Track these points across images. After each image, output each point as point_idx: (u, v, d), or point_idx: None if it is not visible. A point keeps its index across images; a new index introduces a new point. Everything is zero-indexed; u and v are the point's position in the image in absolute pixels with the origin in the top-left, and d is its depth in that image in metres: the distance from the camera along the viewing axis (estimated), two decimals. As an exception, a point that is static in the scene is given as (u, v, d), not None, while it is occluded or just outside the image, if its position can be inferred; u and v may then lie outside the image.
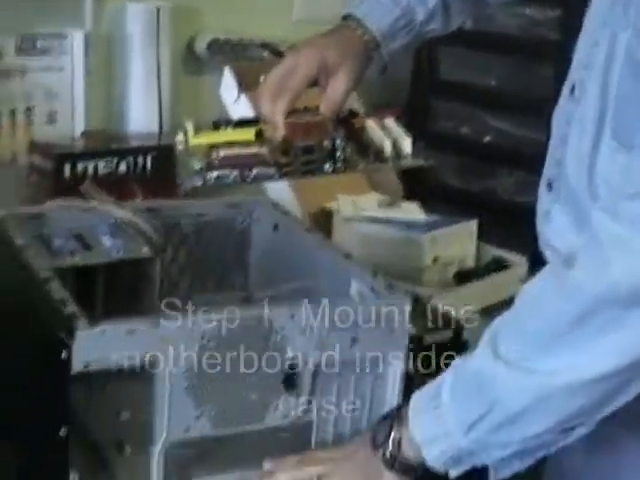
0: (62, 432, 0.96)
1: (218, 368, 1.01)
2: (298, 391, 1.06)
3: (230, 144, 1.13)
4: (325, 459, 1.06)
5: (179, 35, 1.84)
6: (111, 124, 1.78)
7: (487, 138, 2.18)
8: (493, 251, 1.74)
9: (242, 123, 1.20)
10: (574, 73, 1.07)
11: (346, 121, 1.23)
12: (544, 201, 1.10)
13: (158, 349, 0.99)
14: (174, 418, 1.01)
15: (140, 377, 1.02)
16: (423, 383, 1.14)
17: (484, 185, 2.20)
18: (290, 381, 1.05)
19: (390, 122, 1.28)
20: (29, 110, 1.66)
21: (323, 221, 1.70)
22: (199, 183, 1.10)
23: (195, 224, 1.31)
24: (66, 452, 0.97)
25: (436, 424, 0.99)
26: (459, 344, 1.34)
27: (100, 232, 1.21)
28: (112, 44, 1.77)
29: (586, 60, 1.04)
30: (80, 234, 1.21)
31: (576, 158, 1.04)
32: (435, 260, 1.65)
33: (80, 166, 1.58)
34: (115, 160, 1.61)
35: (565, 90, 1.09)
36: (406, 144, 1.25)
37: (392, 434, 1.02)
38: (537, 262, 1.69)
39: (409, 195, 1.92)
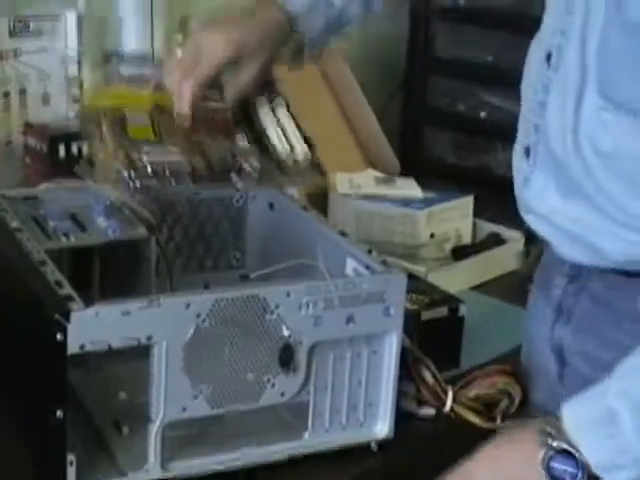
0: (59, 413, 0.96)
1: (214, 347, 1.01)
2: (294, 369, 1.06)
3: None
4: None
5: (173, 15, 1.82)
6: (106, 105, 1.76)
7: (482, 114, 2.17)
8: (489, 227, 1.73)
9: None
10: (548, 39, 1.06)
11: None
12: (522, 168, 1.10)
13: (153, 329, 0.98)
14: (171, 398, 1.01)
15: (136, 357, 1.01)
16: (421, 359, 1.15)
17: (479, 161, 2.20)
18: (286, 359, 1.05)
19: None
20: (23, 92, 1.66)
21: (319, 198, 1.69)
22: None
23: (190, 203, 1.31)
24: (63, 434, 0.97)
25: (618, 452, 0.96)
26: (456, 320, 1.33)
27: (95, 213, 1.21)
28: (105, 25, 1.76)
29: (561, 25, 1.03)
30: (75, 215, 1.20)
31: (558, 122, 1.04)
32: (432, 236, 1.64)
33: (74, 147, 1.58)
34: (110, 141, 1.60)
35: (538, 56, 1.08)
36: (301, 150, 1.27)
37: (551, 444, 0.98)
38: (532, 237, 1.70)
39: (405, 171, 1.91)
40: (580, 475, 0.97)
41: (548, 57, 1.06)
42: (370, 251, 1.16)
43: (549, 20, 1.07)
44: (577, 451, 0.97)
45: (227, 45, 1.15)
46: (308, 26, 1.24)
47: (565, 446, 0.97)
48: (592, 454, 0.97)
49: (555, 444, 0.98)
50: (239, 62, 1.15)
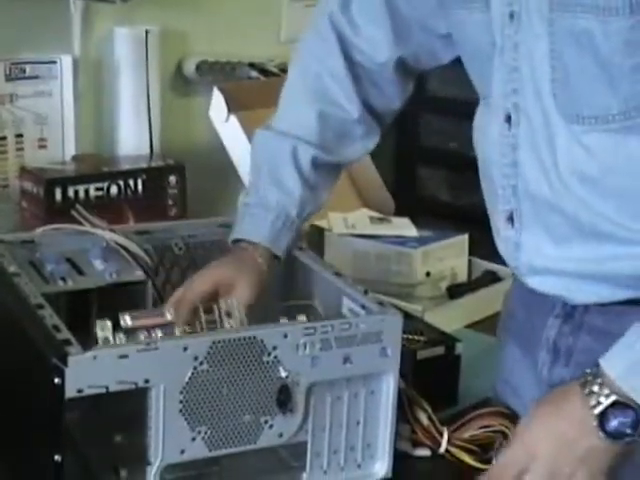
0: (57, 458, 0.96)
1: (211, 389, 1.01)
2: (292, 410, 1.06)
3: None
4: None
5: (168, 58, 1.84)
6: (101, 148, 1.78)
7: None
8: (484, 265, 1.73)
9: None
10: (501, 103, 1.08)
11: None
12: (510, 236, 1.11)
13: (151, 373, 0.98)
14: (169, 440, 1.01)
15: (133, 400, 1.01)
16: (416, 401, 1.15)
17: (473, 199, 2.20)
18: (284, 400, 1.05)
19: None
20: (19, 136, 1.66)
21: (315, 238, 1.69)
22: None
23: (187, 245, 1.31)
24: (61, 477, 0.97)
25: None
26: (452, 358, 1.33)
27: (92, 256, 1.21)
28: (101, 68, 1.77)
29: (511, 84, 1.07)
30: (72, 259, 1.21)
31: (537, 171, 1.06)
32: (428, 275, 1.65)
33: (71, 190, 1.59)
34: (106, 183, 1.62)
35: (494, 124, 1.09)
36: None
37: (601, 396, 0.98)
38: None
39: (399, 210, 1.92)
40: None
41: (508, 118, 1.08)
42: (366, 291, 1.16)
43: (494, 90, 1.09)
44: (630, 399, 0.97)
45: (207, 278, 1.18)
46: (282, 247, 1.24)
47: (615, 397, 0.97)
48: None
49: (604, 399, 0.97)
50: (228, 289, 1.16)
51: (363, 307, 1.14)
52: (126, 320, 1.07)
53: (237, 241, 1.24)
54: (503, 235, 1.13)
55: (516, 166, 1.08)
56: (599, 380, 0.99)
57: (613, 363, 0.99)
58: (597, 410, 0.98)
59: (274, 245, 1.22)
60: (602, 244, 1.05)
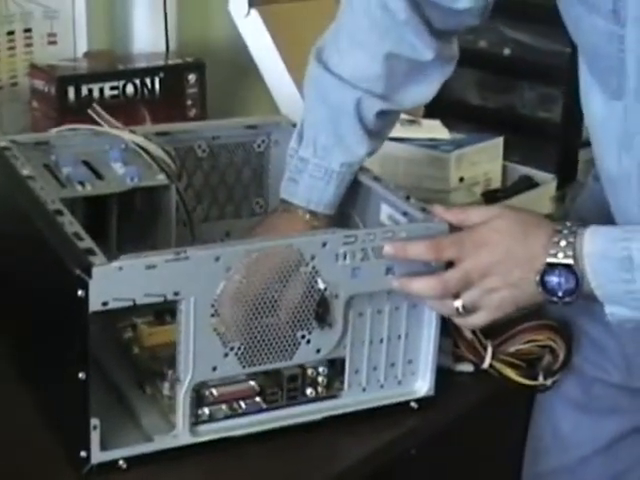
0: (81, 375, 0.91)
1: (245, 303, 0.95)
2: (330, 324, 1.00)
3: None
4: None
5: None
6: (114, 44, 1.69)
7: (506, 51, 2.09)
8: (519, 170, 1.67)
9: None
10: None
11: None
12: None
13: (181, 284, 0.92)
14: (200, 357, 0.95)
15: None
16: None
17: (504, 101, 2.12)
18: (322, 314, 1.00)
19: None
20: (28, 31, 1.58)
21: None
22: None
23: (210, 147, 1.25)
24: (86, 397, 0.91)
25: (629, 299, 0.97)
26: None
27: (111, 159, 1.15)
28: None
29: None
30: (90, 162, 1.14)
31: None
32: (461, 180, 1.58)
33: (85, 89, 1.50)
34: (122, 82, 1.53)
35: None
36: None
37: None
38: (566, 179, 1.64)
39: (427, 115, 1.84)
40: (574, 295, 0.98)
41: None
42: (408, 197, 1.10)
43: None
44: (581, 274, 0.97)
45: None
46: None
47: (571, 262, 0.97)
48: (601, 284, 0.97)
49: (561, 256, 0.98)
50: None
51: (405, 214, 1.08)
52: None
53: (288, 203, 1.18)
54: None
55: None
56: (571, 239, 0.98)
57: (595, 239, 0.98)
58: (550, 259, 0.98)
59: (332, 209, 1.18)
60: None
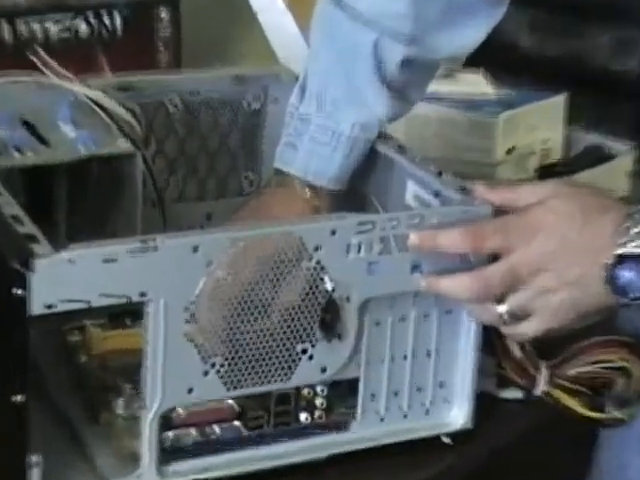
0: (19, 398, 0.92)
1: (230, 306, 0.98)
2: (339, 335, 1.03)
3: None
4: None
5: None
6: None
7: (571, -17, 2.12)
8: (587, 138, 1.71)
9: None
10: None
11: None
12: None
13: (148, 282, 0.94)
14: (172, 375, 0.97)
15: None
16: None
17: (566, 48, 2.15)
18: (329, 322, 1.02)
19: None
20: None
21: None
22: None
23: (186, 105, 1.28)
24: (24, 426, 0.93)
25: None
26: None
27: (59, 119, 1.17)
28: None
29: None
30: (31, 122, 1.16)
31: None
32: (510, 151, 1.61)
33: (23, 28, 1.54)
34: (72, 19, 1.57)
35: None
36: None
37: None
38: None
39: (468, 63, 1.87)
40: None
41: None
42: (440, 173, 1.13)
43: None
44: None
45: None
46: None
47: None
48: None
49: (632, 246, 0.99)
50: None
51: (437, 195, 1.11)
52: None
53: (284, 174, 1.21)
54: None
55: None
56: None
57: None
58: (620, 250, 0.99)
59: (339, 184, 1.20)
60: None
